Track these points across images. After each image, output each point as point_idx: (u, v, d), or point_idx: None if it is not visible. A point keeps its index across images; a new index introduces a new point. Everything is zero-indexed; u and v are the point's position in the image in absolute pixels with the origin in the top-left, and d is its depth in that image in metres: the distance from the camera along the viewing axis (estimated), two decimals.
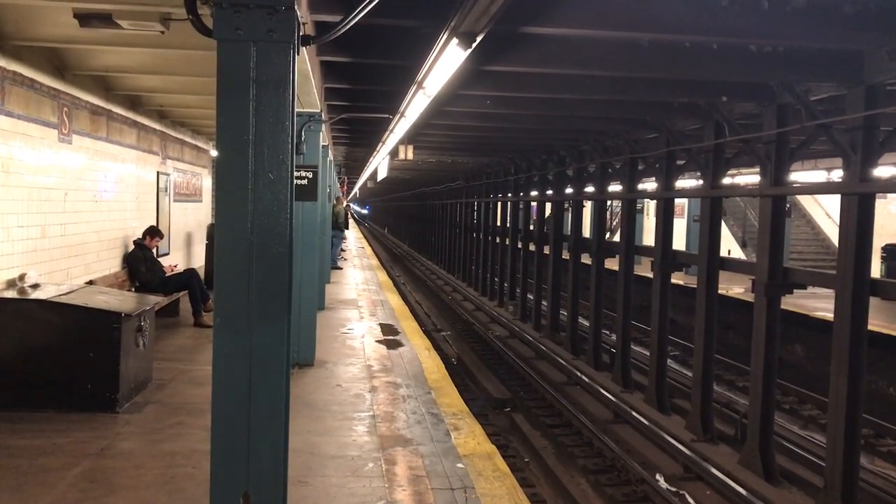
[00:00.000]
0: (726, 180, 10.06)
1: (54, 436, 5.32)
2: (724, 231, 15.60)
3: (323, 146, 9.89)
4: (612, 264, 12.01)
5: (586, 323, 13.43)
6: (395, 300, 14.39)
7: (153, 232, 9.86)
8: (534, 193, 16.08)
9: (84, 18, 4.86)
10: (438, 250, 30.29)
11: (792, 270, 7.76)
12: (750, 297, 8.23)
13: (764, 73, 6.58)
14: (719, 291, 8.87)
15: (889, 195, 17.97)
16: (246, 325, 3.02)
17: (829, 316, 7.06)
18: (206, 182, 15.09)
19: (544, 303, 15.23)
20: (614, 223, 23.28)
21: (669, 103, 8.52)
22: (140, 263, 9.45)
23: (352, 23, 3.27)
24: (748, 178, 15.26)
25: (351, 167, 25.62)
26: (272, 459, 3.07)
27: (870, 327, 6.64)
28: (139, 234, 9.75)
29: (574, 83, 7.35)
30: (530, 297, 16.07)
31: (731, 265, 9.25)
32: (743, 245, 21.38)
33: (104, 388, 5.89)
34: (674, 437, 8.53)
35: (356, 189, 41.29)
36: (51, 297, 6.10)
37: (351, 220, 36.78)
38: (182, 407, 6.21)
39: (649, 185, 14.44)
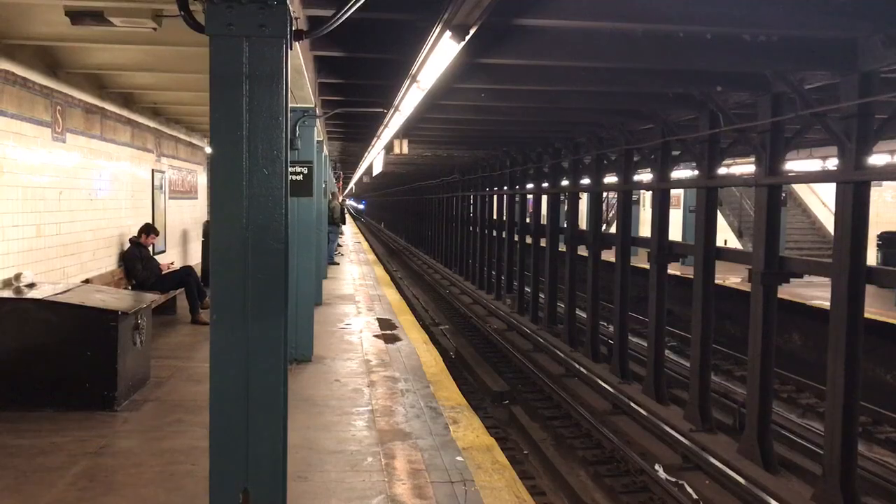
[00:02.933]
0: (722, 170, 10.06)
1: (53, 435, 5.32)
2: (721, 221, 15.63)
3: (317, 141, 9.87)
4: (609, 256, 12.02)
5: (584, 315, 13.46)
6: (392, 295, 14.38)
7: (149, 229, 9.84)
8: (530, 186, 16.08)
9: (76, 16, 4.83)
10: (435, 244, 30.26)
11: (788, 259, 7.77)
12: (747, 287, 8.24)
13: (758, 63, 6.58)
14: (716, 281, 8.88)
15: (884, 183, 18.01)
16: (243, 321, 3.01)
17: (826, 304, 7.07)
18: (202, 179, 15.06)
19: (542, 295, 15.24)
20: (610, 215, 23.28)
21: (664, 94, 8.50)
22: (136, 261, 9.44)
23: (344, 17, 3.26)
24: (744, 167, 15.27)
25: (346, 162, 25.58)
26: (271, 455, 3.07)
27: (866, 315, 6.66)
28: (135, 232, 9.73)
29: (568, 75, 7.34)
30: (528, 289, 16.08)
31: (728, 255, 9.27)
32: (739, 235, 21.40)
33: (102, 387, 5.89)
34: (672, 428, 8.54)
35: (352, 184, 41.30)
36: (47, 296, 6.08)
37: (347, 216, 36.76)
38: (180, 404, 6.21)
39: (645, 176, 14.43)
